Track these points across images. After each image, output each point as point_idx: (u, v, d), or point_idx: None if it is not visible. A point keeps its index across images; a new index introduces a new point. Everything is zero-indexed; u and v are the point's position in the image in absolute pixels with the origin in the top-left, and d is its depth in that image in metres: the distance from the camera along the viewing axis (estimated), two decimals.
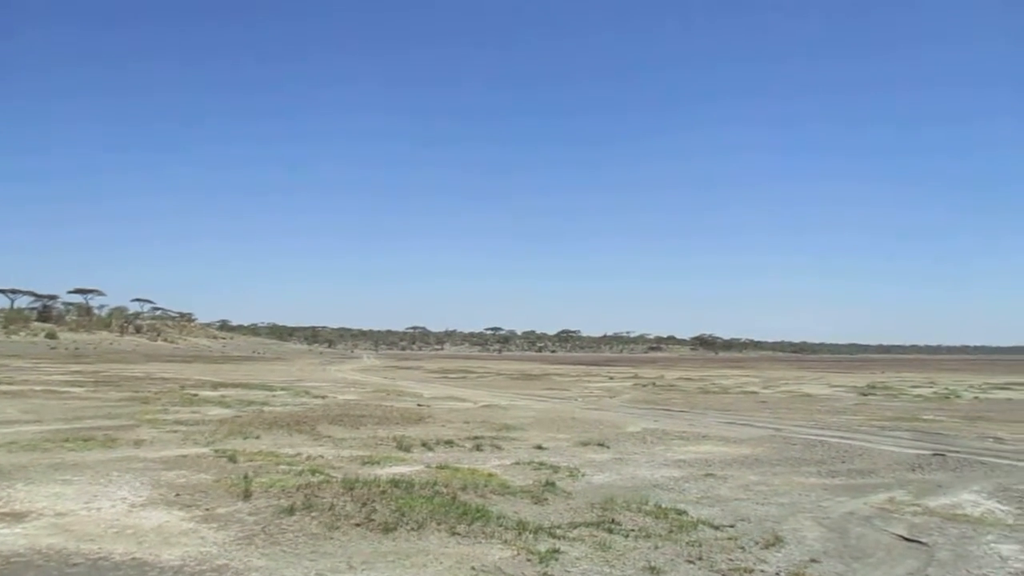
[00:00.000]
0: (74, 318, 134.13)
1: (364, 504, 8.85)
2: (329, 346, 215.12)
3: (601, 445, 15.13)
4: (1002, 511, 9.51)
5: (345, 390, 33.58)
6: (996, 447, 15.70)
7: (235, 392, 29.31)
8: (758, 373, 67.03)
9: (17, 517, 8.22)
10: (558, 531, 7.96)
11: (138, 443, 14.03)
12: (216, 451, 13.12)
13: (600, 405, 27.59)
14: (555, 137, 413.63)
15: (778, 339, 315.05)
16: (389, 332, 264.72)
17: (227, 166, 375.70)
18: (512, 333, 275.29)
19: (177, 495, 9.50)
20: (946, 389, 39.52)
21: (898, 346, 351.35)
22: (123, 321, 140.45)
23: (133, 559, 6.80)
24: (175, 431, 15.90)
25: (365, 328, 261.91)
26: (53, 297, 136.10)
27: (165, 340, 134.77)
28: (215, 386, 33.06)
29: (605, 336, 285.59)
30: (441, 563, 6.83)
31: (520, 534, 7.77)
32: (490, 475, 11.25)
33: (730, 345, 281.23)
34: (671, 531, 8.08)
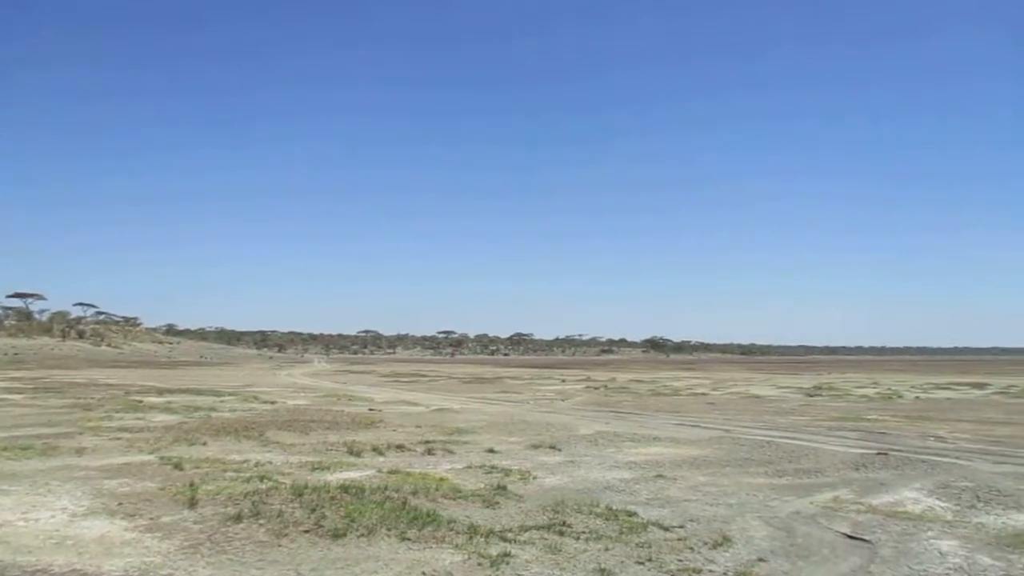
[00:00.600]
0: (13, 323, 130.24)
1: (313, 510, 8.75)
2: (279, 351, 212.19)
3: (553, 448, 15.17)
4: (942, 508, 9.76)
5: (295, 395, 33.18)
6: (937, 446, 16.12)
7: (182, 398, 28.78)
8: (708, 375, 67.92)
9: None
10: (509, 534, 7.95)
11: (80, 451, 13.68)
12: (161, 458, 12.85)
13: (552, 408, 27.68)
14: (513, 137, 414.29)
15: (728, 341, 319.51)
16: (340, 336, 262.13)
17: (173, 171, 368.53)
18: (465, 336, 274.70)
19: (120, 504, 9.28)
20: (889, 390, 40.51)
21: (844, 347, 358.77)
22: (65, 326, 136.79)
23: (73, 571, 6.62)
24: (118, 438, 15.55)
25: (316, 332, 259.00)
26: None
27: (109, 345, 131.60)
28: (161, 392, 32.43)
29: (557, 339, 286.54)
30: (391, 569, 6.78)
31: (471, 538, 7.75)
32: (441, 479, 11.21)
33: (681, 347, 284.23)
34: (621, 533, 8.13)
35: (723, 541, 7.88)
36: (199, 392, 32.75)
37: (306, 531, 7.93)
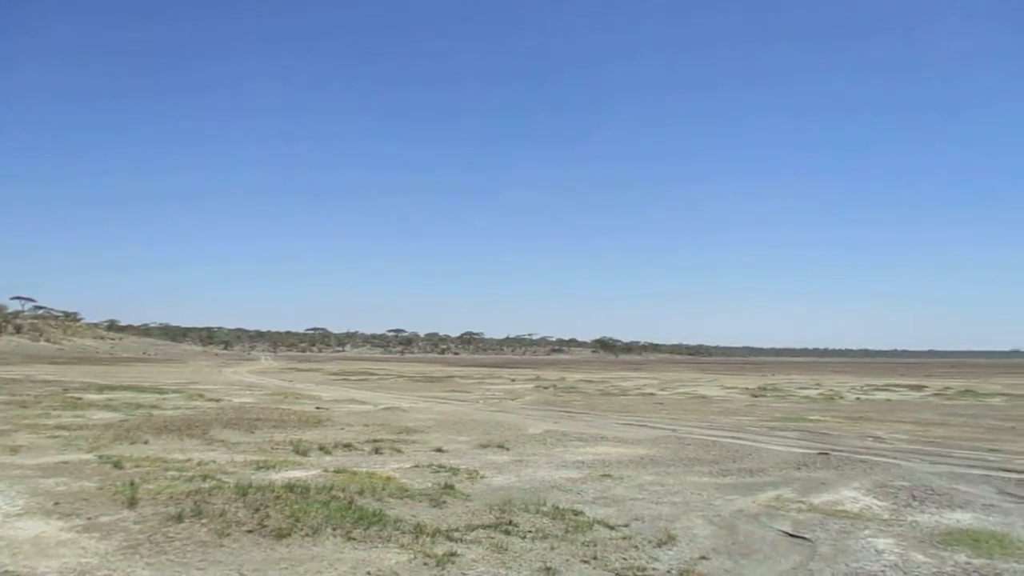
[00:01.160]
0: None
1: (257, 510, 8.63)
2: (225, 348, 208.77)
3: (501, 447, 15.20)
4: (879, 506, 10.00)
5: (241, 393, 32.70)
6: (875, 446, 16.51)
7: (123, 395, 28.17)
8: (656, 375, 68.64)
9: None
10: (456, 534, 7.94)
11: (14, 449, 13.31)
12: (100, 457, 12.56)
13: (502, 407, 27.71)
14: (461, 136, 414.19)
15: (676, 342, 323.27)
16: (289, 334, 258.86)
17: (116, 166, 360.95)
18: (415, 335, 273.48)
19: (56, 504, 9.04)
20: (831, 391, 41.39)
21: (788, 349, 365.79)
22: (1, 320, 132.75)
23: (6, 572, 6.44)
24: (56, 436, 15.16)
25: (263, 329, 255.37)
26: None
27: (48, 340, 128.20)
28: (101, 389, 31.69)
29: (508, 338, 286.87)
30: (336, 569, 6.72)
31: (417, 537, 7.72)
32: (388, 478, 11.15)
33: (630, 348, 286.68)
34: (567, 531, 8.18)
35: (667, 539, 7.98)
36: (141, 389, 32.10)
37: (249, 531, 7.82)
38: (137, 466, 11.70)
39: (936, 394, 39.29)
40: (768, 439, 17.58)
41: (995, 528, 8.72)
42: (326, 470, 11.83)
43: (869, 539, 8.22)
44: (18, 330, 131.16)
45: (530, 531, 8.16)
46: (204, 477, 10.78)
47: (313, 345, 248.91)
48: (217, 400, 26.97)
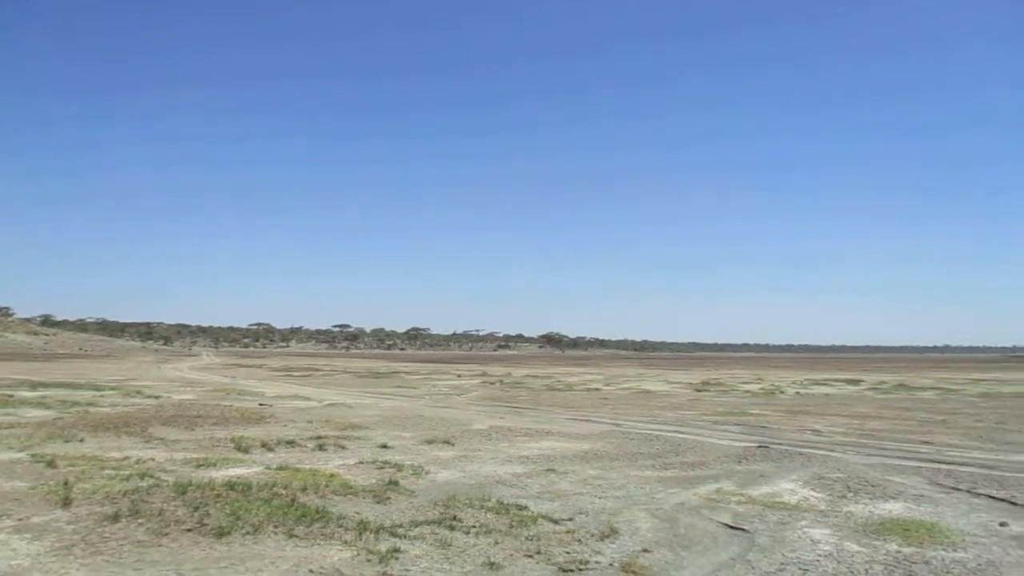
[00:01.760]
0: None
1: (197, 508, 8.47)
2: (165, 343, 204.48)
3: (447, 443, 15.17)
4: (816, 498, 10.25)
5: (181, 389, 32.07)
6: (813, 439, 16.91)
7: (57, 392, 27.40)
8: (602, 371, 69.22)
9: None
10: (399, 530, 7.91)
11: None
12: (33, 456, 12.20)
13: (448, 403, 27.67)
14: (403, 130, 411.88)
15: (622, 337, 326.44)
16: (231, 329, 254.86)
17: (52, 155, 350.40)
18: (361, 330, 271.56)
19: None
20: (772, 385, 42.23)
21: (731, 344, 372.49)
22: None
23: None
24: None
25: (205, 325, 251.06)
26: None
27: None
28: (34, 386, 30.78)
29: (455, 334, 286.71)
30: (277, 567, 6.64)
31: (361, 534, 7.67)
32: (332, 475, 11.05)
33: (577, 343, 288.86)
34: (511, 526, 8.21)
35: (610, 533, 8.06)
36: (77, 386, 31.25)
37: (188, 530, 7.67)
38: (72, 465, 11.39)
39: (872, 388, 40.37)
40: (710, 433, 17.87)
41: (925, 518, 9.00)
42: (268, 467, 11.67)
43: (805, 530, 8.41)
44: None
45: (474, 526, 8.17)
46: (142, 476, 10.56)
47: (257, 341, 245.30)
48: (156, 397, 26.41)
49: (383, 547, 7.21)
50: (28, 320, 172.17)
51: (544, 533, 7.98)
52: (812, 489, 10.82)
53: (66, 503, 8.76)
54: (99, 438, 14.75)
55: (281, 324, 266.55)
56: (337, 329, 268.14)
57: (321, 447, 14.23)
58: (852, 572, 6.82)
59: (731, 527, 8.51)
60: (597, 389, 38.46)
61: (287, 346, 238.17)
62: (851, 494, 10.44)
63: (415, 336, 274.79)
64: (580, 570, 6.79)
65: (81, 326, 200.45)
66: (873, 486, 11.00)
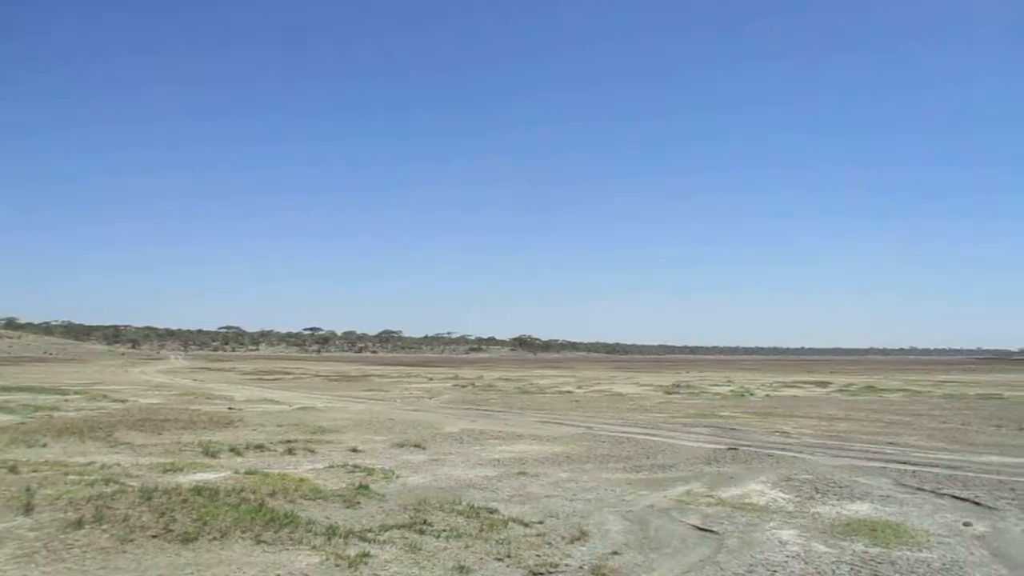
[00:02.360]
0: None
1: (163, 514, 8.35)
2: (133, 347, 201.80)
3: (417, 446, 15.11)
4: (784, 499, 10.34)
5: (148, 393, 31.67)
6: (782, 441, 17.06)
7: (21, 396, 26.95)
8: (574, 373, 69.36)
9: None
10: (369, 534, 7.86)
11: None
12: None
13: (419, 406, 27.56)
14: (370, 131, 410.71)
15: (594, 340, 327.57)
16: (200, 332, 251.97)
17: (16, 156, 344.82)
18: (332, 334, 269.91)
19: None
20: (741, 388, 42.56)
21: (702, 347, 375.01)
22: None
23: None
24: None
25: (173, 328, 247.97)
26: None
27: None
28: None
29: (427, 337, 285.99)
30: (244, 573, 6.56)
31: (330, 539, 7.61)
32: (301, 480, 10.95)
33: (549, 346, 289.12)
34: (482, 530, 8.18)
35: (580, 536, 8.07)
36: (41, 390, 30.78)
37: (154, 536, 7.56)
38: (35, 471, 11.18)
39: (840, 390, 40.83)
40: (680, 435, 17.96)
41: (891, 518, 9.11)
42: (237, 472, 11.55)
43: (774, 531, 8.48)
44: None
45: (444, 530, 8.14)
46: (107, 481, 10.39)
47: (226, 344, 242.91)
48: (123, 401, 26.05)
49: (352, 552, 7.16)
50: None
51: (515, 536, 7.97)
52: (781, 490, 10.91)
53: (28, 509, 8.60)
54: (63, 443, 14.51)
55: (251, 327, 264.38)
56: (308, 332, 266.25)
57: (291, 451, 14.11)
58: (819, 573, 6.89)
59: (701, 529, 8.55)
60: (569, 392, 38.52)
61: (257, 349, 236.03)
62: (819, 495, 10.55)
63: (387, 339, 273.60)
64: (550, 573, 6.79)
65: (46, 329, 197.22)
66: (840, 487, 11.12)
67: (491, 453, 14.45)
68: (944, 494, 10.66)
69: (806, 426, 20.41)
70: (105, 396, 28.24)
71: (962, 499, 10.31)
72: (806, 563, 7.18)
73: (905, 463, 13.51)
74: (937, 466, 13.16)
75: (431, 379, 53.19)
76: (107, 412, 21.33)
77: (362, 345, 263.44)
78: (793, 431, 19.11)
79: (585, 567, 6.97)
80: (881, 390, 40.64)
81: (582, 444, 15.96)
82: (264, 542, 7.47)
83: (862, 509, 9.66)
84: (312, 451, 14.23)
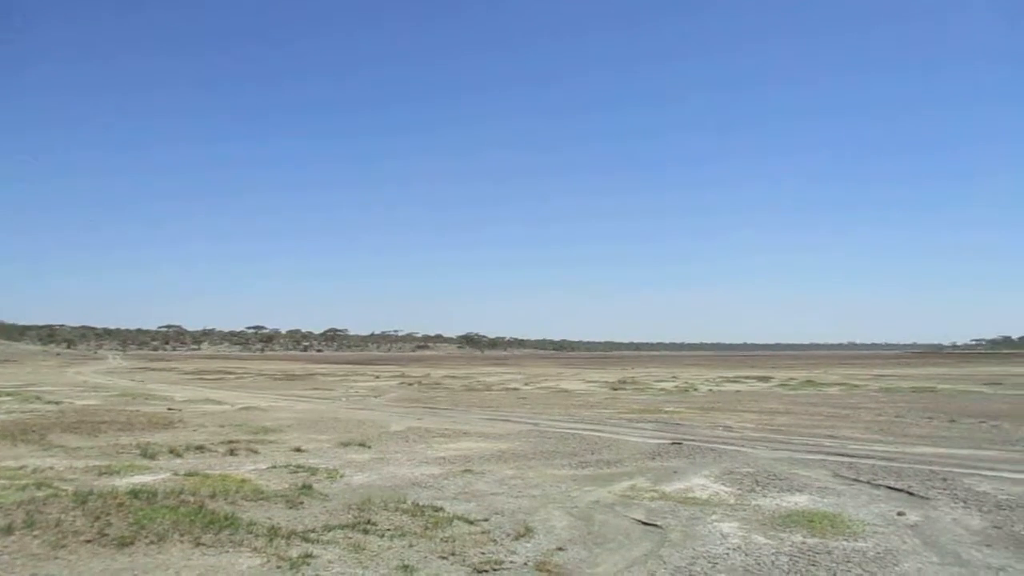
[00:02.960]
0: None
1: (97, 518, 8.12)
2: (69, 346, 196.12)
3: (363, 445, 14.98)
4: (726, 492, 10.50)
5: (85, 394, 30.84)
6: (725, 435, 17.32)
7: None
8: (521, 370, 69.53)
9: None
10: (312, 535, 7.76)
11: None
12: None
13: (365, 404, 27.34)
14: (313, 131, 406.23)
15: (541, 337, 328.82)
16: (140, 331, 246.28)
17: None
18: (276, 332, 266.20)
19: None
20: (686, 383, 43.14)
21: (647, 343, 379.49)
22: None
23: None
24: None
25: (111, 327, 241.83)
26: None
27: None
28: None
29: (373, 335, 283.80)
30: None
31: (271, 540, 7.48)
32: (243, 481, 10.77)
33: (496, 343, 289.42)
34: (427, 528, 8.14)
35: (525, 532, 8.08)
36: None
37: (88, 541, 7.35)
38: None
39: (781, 385, 41.66)
40: (626, 431, 18.12)
41: (828, 509, 9.32)
42: (176, 474, 11.31)
43: (716, 524, 8.60)
44: None
45: (389, 529, 8.08)
46: (39, 485, 10.08)
47: (167, 343, 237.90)
48: (58, 403, 25.31)
49: (294, 553, 7.06)
50: None
51: (459, 534, 7.94)
52: (723, 484, 11.08)
53: None
54: None
55: (192, 326, 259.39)
56: (251, 331, 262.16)
57: (232, 452, 13.86)
58: (759, 564, 7.00)
59: (644, 523, 8.64)
60: (516, 389, 38.59)
61: (199, 349, 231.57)
62: (759, 488, 10.73)
63: (332, 337, 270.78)
64: (494, 570, 6.78)
65: None
66: (780, 480, 11.33)
67: (437, 451, 14.40)
68: (879, 485, 10.93)
69: (748, 420, 20.77)
70: (39, 398, 27.42)
71: (896, 489, 10.60)
72: (746, 555, 7.30)
73: (843, 455, 13.83)
74: (873, 458, 13.51)
75: (377, 377, 52.82)
76: (41, 414, 20.71)
77: (307, 344, 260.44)
78: (735, 425, 19.42)
79: (530, 563, 6.98)
80: (821, 384, 41.56)
81: (528, 441, 16.00)
82: (203, 545, 7.32)
83: (801, 501, 9.85)
84: (255, 451, 14.01)
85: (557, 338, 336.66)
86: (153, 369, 70.18)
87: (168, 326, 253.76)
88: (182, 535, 7.57)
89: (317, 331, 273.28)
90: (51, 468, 11.69)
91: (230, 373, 59.56)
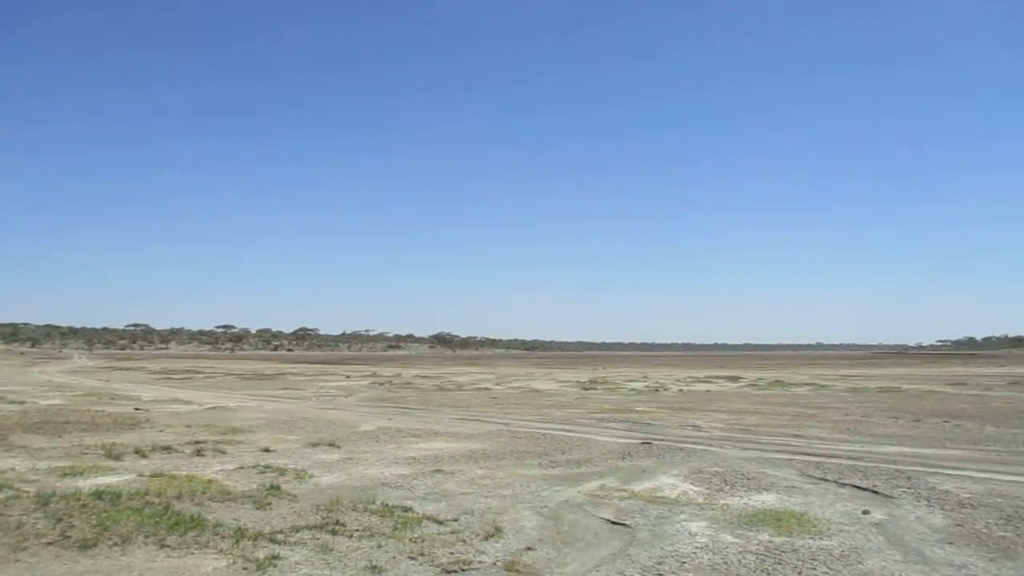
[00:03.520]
0: None
1: (60, 520, 7.99)
2: (33, 346, 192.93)
3: (332, 445, 14.89)
4: (695, 491, 10.56)
5: (49, 394, 30.36)
6: (694, 434, 17.44)
7: None
8: (492, 370, 69.52)
9: None
10: (279, 536, 7.69)
11: None
12: None
13: (335, 404, 27.19)
14: (279, 127, 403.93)
15: (513, 336, 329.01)
16: (106, 330, 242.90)
17: None
18: (246, 331, 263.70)
19: None
20: (657, 383, 43.36)
21: (618, 343, 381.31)
22: None
23: None
24: None
25: (77, 326, 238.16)
26: None
27: None
28: None
29: (344, 334, 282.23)
30: None
31: (238, 542, 7.41)
32: (210, 481, 10.65)
33: (467, 343, 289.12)
34: (396, 529, 8.11)
35: (495, 532, 8.07)
36: None
37: (50, 543, 7.22)
38: None
39: (750, 385, 42.01)
40: (596, 430, 18.18)
41: (795, 508, 9.42)
42: (141, 475, 11.16)
43: (684, 523, 8.65)
44: None
45: (357, 530, 8.03)
46: (0, 487, 9.90)
47: (134, 343, 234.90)
48: (20, 403, 24.88)
49: (261, 554, 6.99)
50: None
51: (428, 534, 7.92)
52: (691, 483, 11.15)
53: None
54: None
55: (160, 325, 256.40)
56: (221, 330, 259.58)
57: (199, 452, 13.71)
58: (726, 563, 7.05)
59: (613, 523, 8.66)
60: (487, 389, 38.58)
61: (167, 348, 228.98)
62: (728, 487, 10.81)
63: (303, 337, 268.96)
64: (463, 570, 6.76)
65: None
66: (748, 479, 11.43)
67: (407, 451, 14.35)
68: (845, 484, 11.06)
69: (717, 420, 20.92)
70: (1, 398, 26.92)
71: (862, 488, 10.73)
72: (714, 554, 7.35)
73: (810, 454, 13.97)
74: (839, 457, 13.67)
75: (348, 377, 52.55)
76: (3, 414, 20.35)
77: (277, 343, 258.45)
78: (705, 425, 19.56)
79: (499, 563, 6.97)
80: (789, 384, 41.99)
81: (499, 441, 15.99)
82: (168, 546, 7.22)
83: (768, 500, 9.94)
84: (222, 452, 13.87)
85: (529, 338, 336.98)
86: (120, 368, 69.28)
87: (135, 325, 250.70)
88: (147, 537, 7.47)
89: (288, 330, 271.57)
90: (12, 469, 11.49)
91: (199, 372, 58.95)
